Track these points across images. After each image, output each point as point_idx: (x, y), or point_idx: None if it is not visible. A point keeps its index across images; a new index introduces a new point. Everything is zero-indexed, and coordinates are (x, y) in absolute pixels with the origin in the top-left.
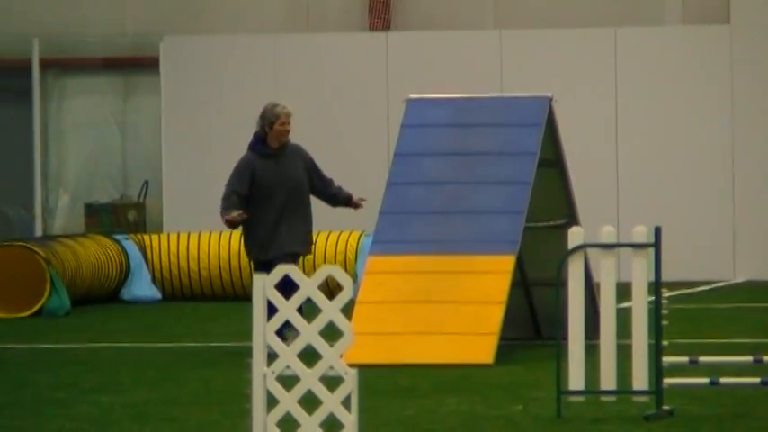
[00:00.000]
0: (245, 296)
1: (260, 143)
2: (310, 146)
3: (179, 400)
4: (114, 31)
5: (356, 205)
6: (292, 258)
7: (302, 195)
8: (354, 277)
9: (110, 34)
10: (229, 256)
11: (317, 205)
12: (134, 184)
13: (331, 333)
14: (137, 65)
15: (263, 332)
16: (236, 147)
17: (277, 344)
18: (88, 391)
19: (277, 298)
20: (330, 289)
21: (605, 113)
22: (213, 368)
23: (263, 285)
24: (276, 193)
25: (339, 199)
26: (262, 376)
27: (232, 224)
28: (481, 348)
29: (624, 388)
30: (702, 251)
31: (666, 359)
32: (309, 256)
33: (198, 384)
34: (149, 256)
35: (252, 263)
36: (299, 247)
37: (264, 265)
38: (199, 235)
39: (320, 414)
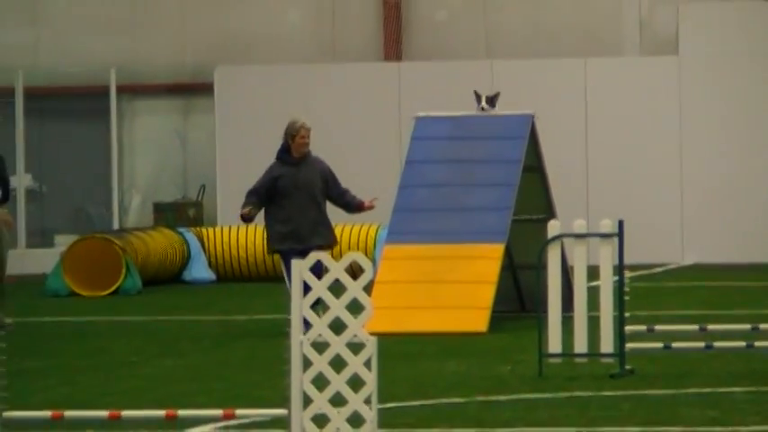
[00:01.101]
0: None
1: (285, 153)
2: (335, 156)
3: (229, 364)
4: (177, 61)
5: (369, 207)
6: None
7: (316, 197)
8: (373, 262)
9: (173, 64)
10: None
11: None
12: (193, 186)
13: (355, 307)
14: (195, 89)
15: (299, 307)
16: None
17: (311, 316)
18: (154, 356)
19: (311, 279)
20: (353, 271)
21: (577, 128)
22: (258, 337)
23: (300, 269)
24: (294, 194)
25: (352, 206)
26: (298, 343)
27: (244, 217)
28: (476, 320)
29: (594, 351)
30: (657, 239)
31: (628, 328)
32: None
33: (245, 350)
34: (206, 244)
35: (273, 252)
36: (319, 240)
37: (284, 253)
38: (246, 228)
39: (346, 374)
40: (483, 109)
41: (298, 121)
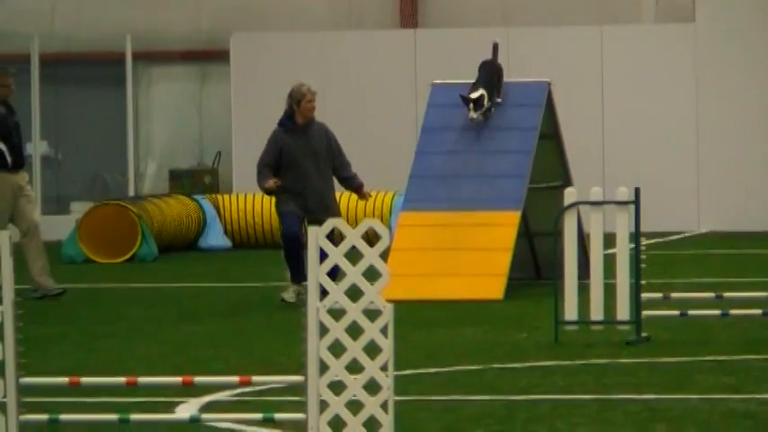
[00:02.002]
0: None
1: (288, 119)
2: (351, 124)
3: (246, 330)
4: (192, 28)
5: (363, 195)
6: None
7: (321, 166)
8: (389, 229)
9: (188, 31)
10: None
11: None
12: (209, 153)
13: (371, 274)
14: (211, 56)
15: (316, 274)
16: None
17: (327, 283)
18: (172, 322)
19: (327, 246)
20: (369, 238)
21: (593, 96)
22: (274, 304)
23: (317, 236)
24: (301, 162)
25: (351, 183)
26: (315, 309)
27: (269, 191)
28: (492, 287)
29: (610, 319)
30: (673, 206)
31: (644, 295)
32: (352, 212)
33: (262, 317)
34: (222, 212)
35: (279, 210)
36: (322, 215)
37: (297, 209)
38: (262, 195)
39: (362, 340)
40: (472, 119)
41: (304, 85)
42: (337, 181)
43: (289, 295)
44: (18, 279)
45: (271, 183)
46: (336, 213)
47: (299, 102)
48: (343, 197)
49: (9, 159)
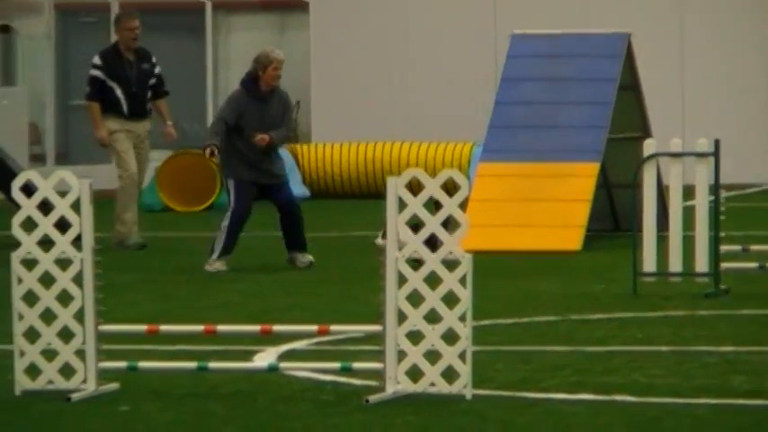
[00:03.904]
0: (377, 194)
1: (252, 83)
2: (431, 74)
3: (324, 279)
4: None
5: (260, 140)
6: (283, 179)
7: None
8: (468, 179)
9: None
10: (365, 161)
11: (441, 118)
12: None
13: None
14: (290, 5)
15: (395, 224)
16: (372, 74)
17: (406, 233)
18: (250, 271)
19: (406, 196)
20: (448, 189)
21: (674, 47)
22: (352, 253)
23: (396, 185)
24: (258, 131)
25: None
26: (394, 259)
27: (208, 155)
28: (570, 238)
29: (688, 271)
30: (753, 159)
31: (723, 247)
32: (430, 162)
33: (340, 266)
34: (300, 161)
35: (231, 181)
36: (271, 180)
37: (250, 184)
38: (341, 144)
39: (441, 290)
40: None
41: (273, 51)
42: None
43: (215, 267)
44: (101, 227)
45: (209, 150)
46: (283, 177)
47: (264, 68)
48: (422, 147)
49: (125, 108)
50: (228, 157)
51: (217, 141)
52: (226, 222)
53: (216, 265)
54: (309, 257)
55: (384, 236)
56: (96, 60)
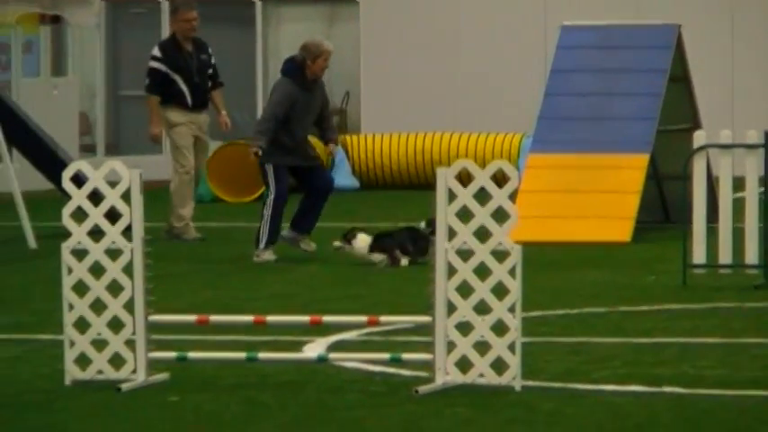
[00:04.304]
0: (427, 185)
1: (299, 72)
2: (481, 65)
3: (374, 270)
4: None
5: (329, 151)
6: (320, 161)
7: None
8: (517, 170)
9: None
10: (415, 152)
11: (490, 109)
12: (337, 93)
13: (499, 215)
14: None
15: (444, 214)
16: (421, 65)
17: (456, 223)
18: (299, 262)
19: (456, 187)
20: (497, 180)
21: (724, 38)
22: None
23: (446, 176)
24: (302, 119)
25: (326, 135)
26: (444, 250)
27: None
28: (620, 229)
29: (738, 262)
30: None
31: None
32: (480, 153)
33: None
34: (350, 152)
35: (270, 166)
36: (307, 163)
37: (287, 169)
38: (390, 135)
39: (491, 281)
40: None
41: (325, 43)
42: (317, 130)
43: (264, 258)
44: (151, 217)
45: (256, 149)
46: (320, 160)
47: (315, 58)
48: (471, 138)
49: (189, 99)
50: (271, 144)
51: (263, 143)
52: (268, 211)
53: (264, 255)
54: (314, 245)
55: (343, 239)
56: (156, 52)
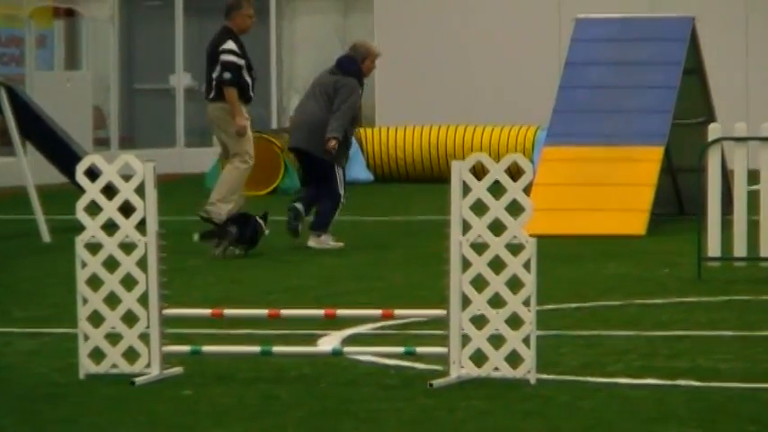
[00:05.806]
0: (441, 178)
1: (360, 72)
2: (495, 58)
3: (388, 263)
4: None
5: (326, 148)
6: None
7: None
8: (532, 163)
9: None
10: (429, 145)
11: (504, 102)
12: None
13: (514, 209)
14: None
15: (459, 207)
16: (435, 58)
17: (470, 217)
18: (315, 255)
19: (470, 180)
20: (512, 173)
21: (739, 31)
22: (416, 237)
23: (460, 169)
24: (357, 116)
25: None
26: (458, 243)
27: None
28: (635, 222)
29: (753, 255)
30: None
31: None
32: (494, 146)
33: (404, 250)
34: (364, 145)
35: (341, 170)
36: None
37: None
38: (405, 128)
39: (505, 275)
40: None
41: (373, 46)
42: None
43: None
44: (165, 211)
45: (334, 144)
46: None
47: (363, 59)
48: (486, 131)
49: (252, 93)
50: (341, 145)
51: (341, 135)
52: (331, 206)
53: (330, 243)
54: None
55: (201, 237)
56: (233, 46)
